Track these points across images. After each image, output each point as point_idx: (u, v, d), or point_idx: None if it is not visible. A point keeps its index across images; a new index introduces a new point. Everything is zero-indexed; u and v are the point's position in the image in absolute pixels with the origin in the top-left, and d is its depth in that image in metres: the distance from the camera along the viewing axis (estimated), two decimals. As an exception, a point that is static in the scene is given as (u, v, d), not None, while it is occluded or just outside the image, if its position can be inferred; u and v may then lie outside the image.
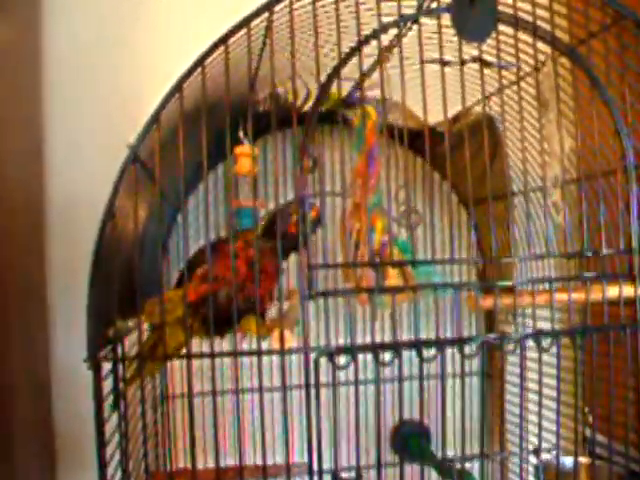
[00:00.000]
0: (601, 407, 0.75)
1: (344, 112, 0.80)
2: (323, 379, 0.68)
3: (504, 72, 0.76)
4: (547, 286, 0.76)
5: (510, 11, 0.70)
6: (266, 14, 0.66)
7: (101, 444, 0.67)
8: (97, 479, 0.68)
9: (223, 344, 0.74)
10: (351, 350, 0.68)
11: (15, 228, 0.95)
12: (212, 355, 0.67)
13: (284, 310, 0.72)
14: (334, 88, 0.68)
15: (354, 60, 0.68)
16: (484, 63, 0.71)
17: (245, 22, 0.66)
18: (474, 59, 0.70)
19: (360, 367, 0.69)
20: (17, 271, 0.95)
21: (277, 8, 0.67)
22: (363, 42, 0.66)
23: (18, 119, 0.99)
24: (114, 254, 0.67)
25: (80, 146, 1.08)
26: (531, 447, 0.89)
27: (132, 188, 0.67)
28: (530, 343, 0.72)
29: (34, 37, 1.06)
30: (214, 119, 0.67)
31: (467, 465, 0.89)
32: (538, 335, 0.71)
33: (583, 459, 0.91)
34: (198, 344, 0.75)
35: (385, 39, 0.71)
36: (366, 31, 0.67)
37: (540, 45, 0.73)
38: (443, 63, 0.68)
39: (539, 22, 0.71)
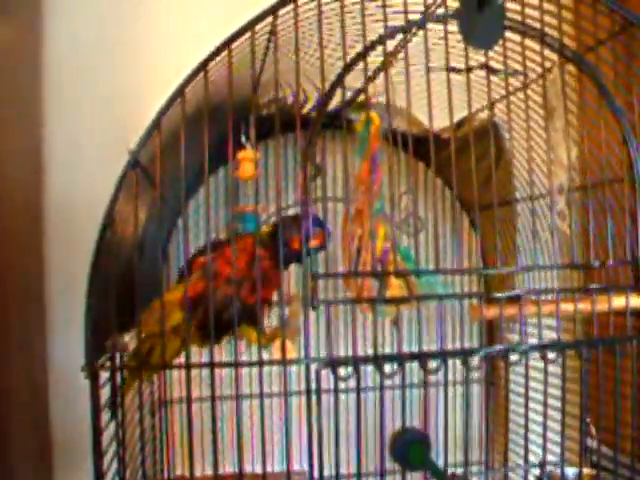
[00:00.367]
0: (606, 418, 0.74)
1: (348, 114, 0.79)
2: (324, 385, 0.67)
3: (510, 79, 0.74)
4: (552, 296, 0.75)
5: (517, 18, 0.69)
6: (270, 18, 0.65)
7: (98, 454, 0.66)
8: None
9: (222, 352, 0.73)
10: (353, 362, 0.67)
11: (14, 228, 0.94)
12: (212, 364, 0.66)
13: (285, 318, 0.71)
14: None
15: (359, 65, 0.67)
16: (490, 70, 0.70)
17: (249, 26, 0.64)
18: (481, 66, 0.69)
19: (362, 374, 0.68)
20: (16, 271, 0.94)
21: (281, 12, 0.66)
22: (369, 48, 0.65)
23: (18, 119, 0.98)
24: (113, 262, 0.66)
25: (80, 146, 1.07)
26: (533, 457, 0.88)
27: (132, 193, 0.66)
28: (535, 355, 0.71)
29: (34, 37, 1.05)
30: (216, 123, 0.66)
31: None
32: (543, 348, 0.70)
33: (587, 470, 0.90)
34: (197, 352, 0.74)
35: (390, 45, 0.70)
36: (371, 37, 0.66)
37: (547, 52, 0.72)
38: (449, 70, 0.67)
39: (547, 29, 0.70)
